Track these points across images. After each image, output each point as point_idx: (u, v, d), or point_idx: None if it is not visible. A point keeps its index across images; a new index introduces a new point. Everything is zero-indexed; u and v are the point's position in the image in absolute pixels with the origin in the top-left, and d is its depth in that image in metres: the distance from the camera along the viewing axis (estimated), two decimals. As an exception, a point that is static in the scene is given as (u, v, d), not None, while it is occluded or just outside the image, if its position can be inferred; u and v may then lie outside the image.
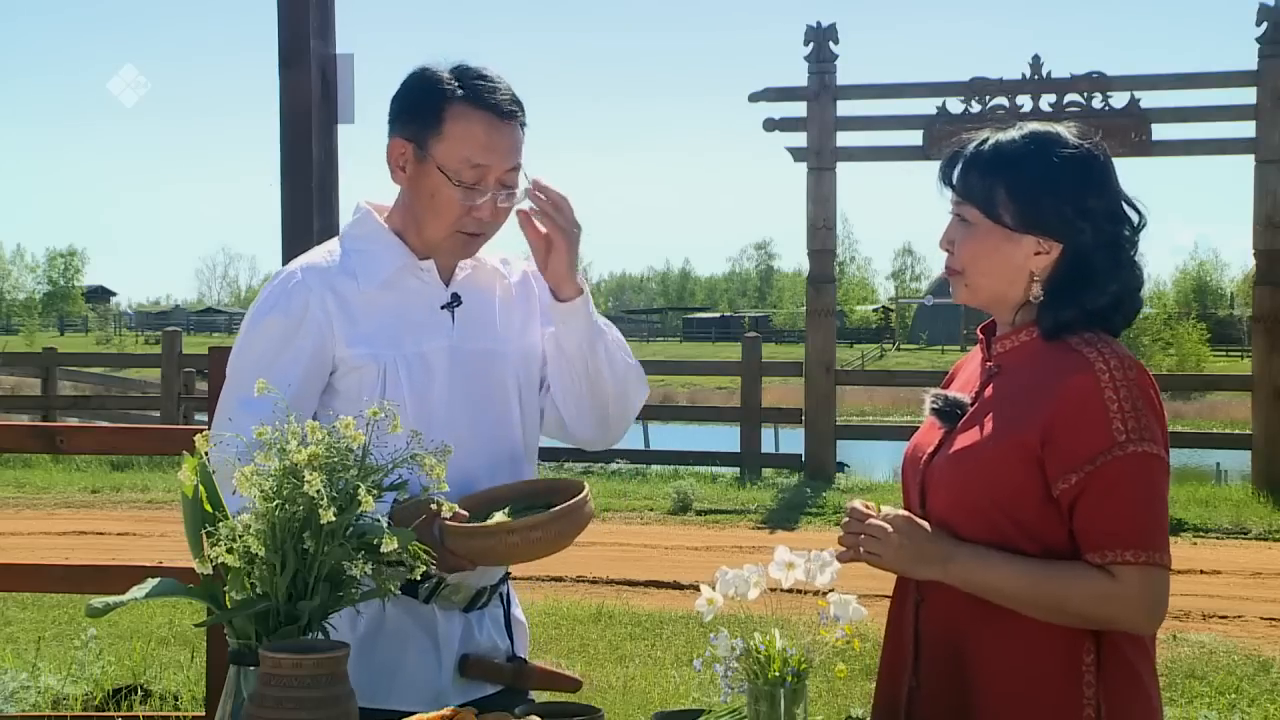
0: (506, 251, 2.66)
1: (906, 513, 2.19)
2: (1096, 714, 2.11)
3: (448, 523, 2.23)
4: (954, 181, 2.24)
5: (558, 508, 2.30)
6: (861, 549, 2.16)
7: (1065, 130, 2.21)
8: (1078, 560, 2.10)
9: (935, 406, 2.28)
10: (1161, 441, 2.11)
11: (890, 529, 2.15)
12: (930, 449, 2.26)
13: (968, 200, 2.21)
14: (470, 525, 2.28)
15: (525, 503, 2.40)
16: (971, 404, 2.24)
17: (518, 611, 2.68)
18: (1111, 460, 2.06)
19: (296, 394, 2.33)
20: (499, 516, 2.37)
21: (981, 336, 2.31)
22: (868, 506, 2.21)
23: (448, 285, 2.53)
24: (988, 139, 2.23)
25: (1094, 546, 2.08)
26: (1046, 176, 2.16)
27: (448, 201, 2.43)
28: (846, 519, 2.21)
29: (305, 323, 2.43)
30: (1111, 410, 2.07)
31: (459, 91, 2.42)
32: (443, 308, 2.52)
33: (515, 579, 2.72)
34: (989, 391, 2.23)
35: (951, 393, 2.30)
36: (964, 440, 2.19)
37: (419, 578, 1.97)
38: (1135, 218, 2.21)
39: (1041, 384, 2.13)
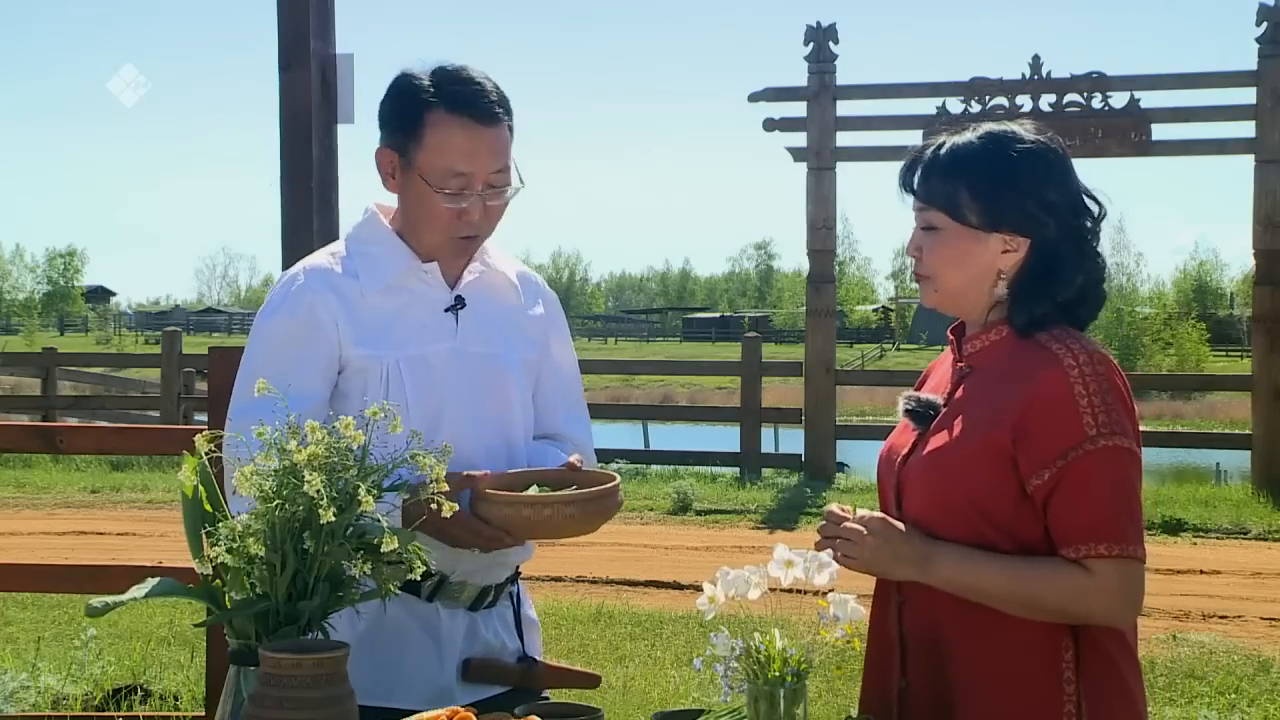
0: (519, 261, 2.67)
1: (882, 514, 2.21)
2: (1077, 710, 2.12)
3: (486, 490, 2.29)
4: (915, 187, 2.25)
5: (593, 489, 2.34)
6: (839, 552, 2.16)
7: (1020, 127, 2.23)
8: (1053, 556, 2.10)
9: (908, 408, 2.29)
10: (1132, 435, 2.11)
11: (866, 531, 2.16)
12: (905, 450, 2.27)
13: (931, 204, 2.23)
14: (505, 494, 2.32)
15: (554, 487, 2.42)
16: (944, 405, 2.25)
17: (530, 611, 2.68)
18: (1083, 455, 2.07)
19: (319, 397, 2.39)
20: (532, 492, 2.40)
21: (952, 338, 2.33)
22: (844, 509, 2.22)
23: (453, 288, 2.53)
24: (944, 143, 2.24)
25: (1068, 541, 2.09)
26: (1006, 173, 2.18)
27: (436, 210, 2.43)
28: (823, 522, 2.22)
29: (311, 325, 2.43)
30: (1082, 405, 2.08)
31: (436, 99, 2.40)
32: (446, 310, 2.51)
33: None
34: (961, 392, 2.24)
35: (924, 394, 2.31)
36: (937, 441, 2.21)
37: (420, 577, 1.97)
38: (1095, 209, 2.23)
39: (1012, 382, 2.14)
